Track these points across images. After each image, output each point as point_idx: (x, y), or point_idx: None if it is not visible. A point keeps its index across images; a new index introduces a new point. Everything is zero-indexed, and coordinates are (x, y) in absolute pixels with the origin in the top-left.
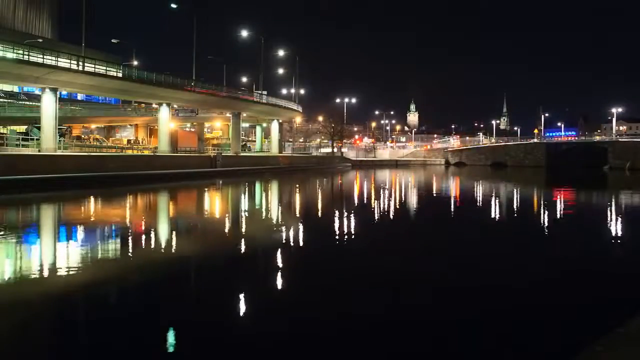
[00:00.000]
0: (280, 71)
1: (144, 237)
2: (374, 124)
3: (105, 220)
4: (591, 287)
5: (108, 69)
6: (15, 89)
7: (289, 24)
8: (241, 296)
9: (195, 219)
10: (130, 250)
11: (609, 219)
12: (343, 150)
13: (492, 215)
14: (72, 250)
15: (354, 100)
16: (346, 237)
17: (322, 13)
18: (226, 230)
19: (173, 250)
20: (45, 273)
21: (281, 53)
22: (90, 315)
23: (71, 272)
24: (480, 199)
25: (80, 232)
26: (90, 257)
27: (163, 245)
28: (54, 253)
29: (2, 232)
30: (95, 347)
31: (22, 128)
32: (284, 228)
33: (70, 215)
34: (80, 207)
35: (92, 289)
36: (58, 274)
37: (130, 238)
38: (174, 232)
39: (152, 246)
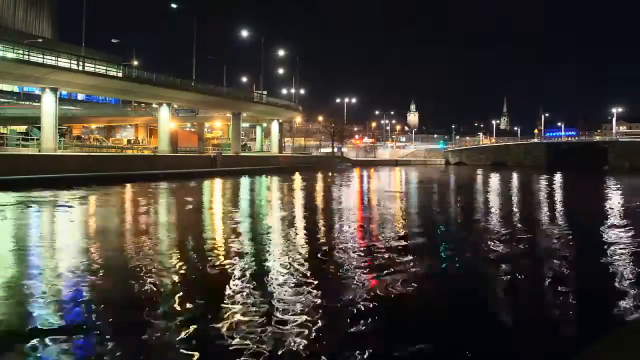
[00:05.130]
0: (280, 71)
1: (145, 237)
2: (374, 124)
3: (109, 220)
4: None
5: (108, 69)
6: (15, 89)
7: (289, 24)
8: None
9: (197, 219)
10: (134, 250)
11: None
12: (343, 150)
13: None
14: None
15: (354, 100)
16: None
17: (322, 13)
18: (225, 230)
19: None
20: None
21: (281, 53)
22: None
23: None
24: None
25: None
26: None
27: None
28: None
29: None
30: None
31: (22, 128)
32: (283, 230)
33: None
34: (84, 207)
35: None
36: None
37: (131, 238)
38: (178, 232)
39: (157, 246)
